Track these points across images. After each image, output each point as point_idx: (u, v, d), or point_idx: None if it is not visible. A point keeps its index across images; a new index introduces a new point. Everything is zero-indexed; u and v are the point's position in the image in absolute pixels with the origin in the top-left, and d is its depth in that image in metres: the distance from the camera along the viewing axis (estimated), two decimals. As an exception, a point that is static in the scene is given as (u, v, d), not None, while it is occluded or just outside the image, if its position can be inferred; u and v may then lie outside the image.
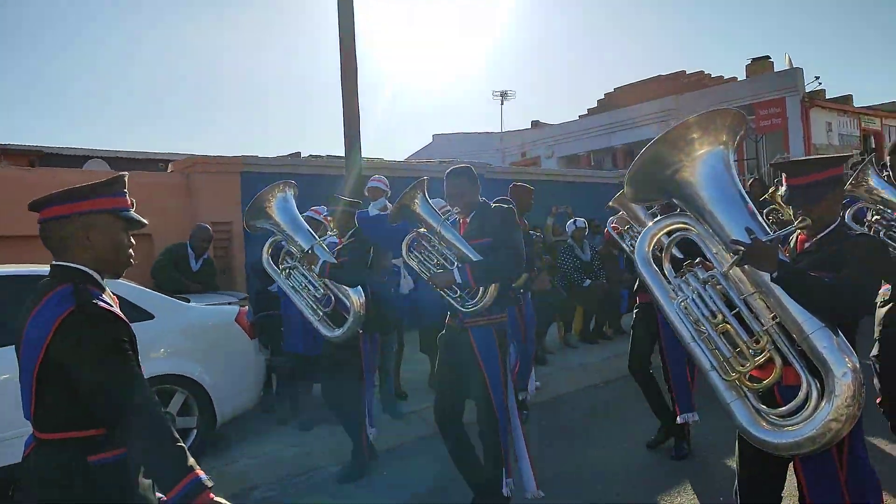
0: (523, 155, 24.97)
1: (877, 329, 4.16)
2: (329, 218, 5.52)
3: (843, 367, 2.41)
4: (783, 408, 2.57)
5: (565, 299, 8.18)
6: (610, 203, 5.40)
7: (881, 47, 67.29)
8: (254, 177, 8.06)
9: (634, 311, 5.27)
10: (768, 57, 24.36)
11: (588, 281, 8.39)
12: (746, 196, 2.80)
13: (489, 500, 3.94)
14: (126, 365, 1.95)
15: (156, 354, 4.92)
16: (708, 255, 2.84)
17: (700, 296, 2.74)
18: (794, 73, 20.24)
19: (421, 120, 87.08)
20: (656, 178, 2.86)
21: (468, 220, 4.10)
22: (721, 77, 26.08)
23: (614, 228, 5.63)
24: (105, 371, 1.91)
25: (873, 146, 22.08)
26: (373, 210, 6.38)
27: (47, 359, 1.91)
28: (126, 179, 2.17)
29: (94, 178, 2.17)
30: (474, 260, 3.88)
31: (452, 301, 3.98)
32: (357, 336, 4.89)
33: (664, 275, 2.94)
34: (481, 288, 3.89)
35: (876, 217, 4.25)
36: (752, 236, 2.57)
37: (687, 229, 2.93)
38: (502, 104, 28.49)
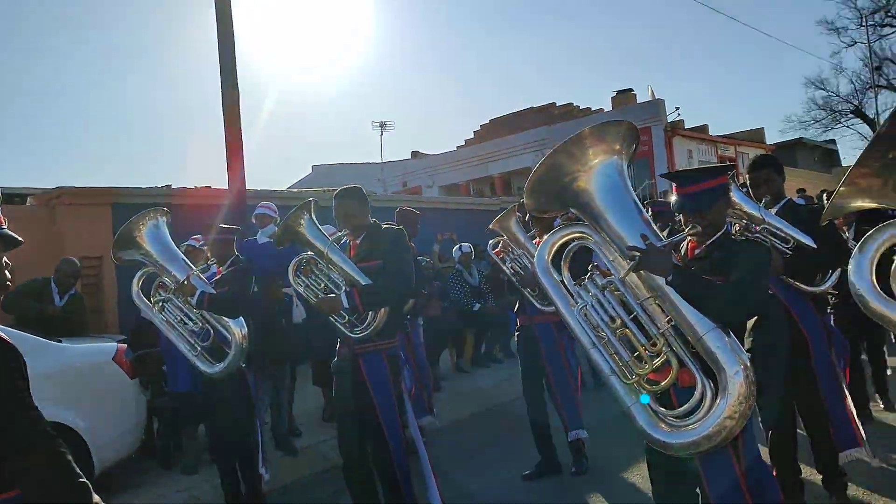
0: (404, 184, 25.13)
1: None
2: (206, 247, 5.21)
3: (735, 367, 2.48)
4: (680, 409, 2.61)
5: (456, 324, 8.16)
6: (490, 226, 5.40)
7: (733, 81, 73.58)
8: (126, 208, 7.51)
9: (516, 333, 5.28)
10: (631, 89, 26.00)
11: (478, 305, 8.44)
12: (640, 204, 2.87)
13: None
14: (19, 395, 1.73)
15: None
16: (605, 262, 2.88)
17: (599, 301, 2.76)
18: (657, 105, 21.68)
19: (299, 151, 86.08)
20: (554, 189, 2.88)
21: (358, 241, 3.99)
22: (589, 108, 27.42)
23: (496, 252, 5.60)
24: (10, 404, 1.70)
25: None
26: (261, 238, 6.13)
27: None
28: None
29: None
30: (363, 284, 3.77)
31: (341, 327, 3.85)
32: (241, 371, 4.61)
33: (564, 283, 2.96)
34: (370, 313, 3.78)
35: (738, 229, 4.52)
36: (647, 242, 2.62)
37: (584, 238, 2.97)
38: (382, 134, 28.64)
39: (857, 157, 2.01)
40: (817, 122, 32.28)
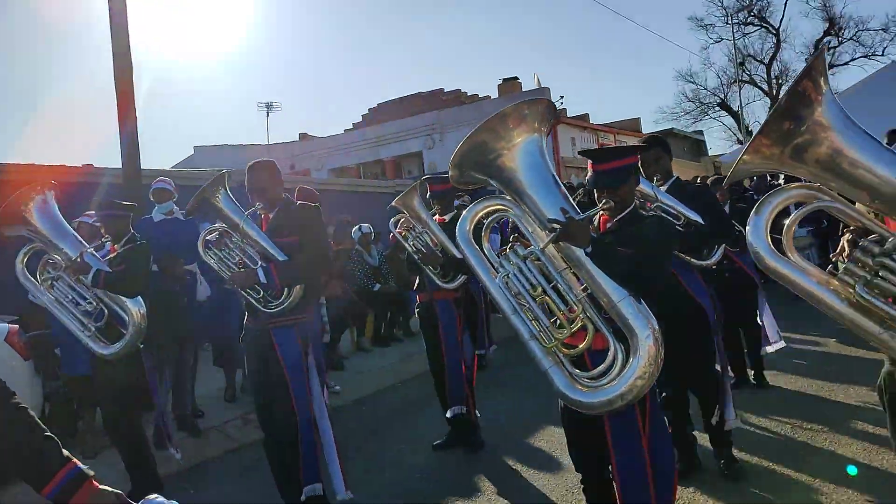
0: (292, 167, 24.56)
1: None
2: (100, 224, 4.94)
3: (646, 331, 2.67)
4: (594, 371, 2.78)
5: (357, 304, 8.16)
6: (392, 203, 5.41)
7: (612, 72, 76.67)
8: (6, 185, 6.95)
9: (417, 310, 5.35)
10: (517, 77, 26.66)
11: (378, 285, 8.47)
12: (559, 180, 3.02)
13: None
14: None
15: None
16: (525, 234, 3.02)
17: (521, 270, 2.89)
18: (543, 93, 22.30)
19: (179, 131, 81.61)
20: (479, 164, 2.99)
21: (271, 216, 3.94)
22: (476, 95, 27.87)
23: (399, 231, 5.59)
24: None
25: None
26: (157, 215, 5.85)
27: None
28: None
29: None
30: (280, 259, 3.73)
31: (254, 302, 3.79)
32: (138, 352, 4.43)
33: (485, 253, 3.08)
34: (286, 288, 3.75)
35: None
36: (566, 216, 2.77)
37: (505, 210, 3.10)
38: (268, 116, 27.80)
39: (759, 127, 2.22)
40: (687, 113, 34.44)
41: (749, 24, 32.95)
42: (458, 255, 4.86)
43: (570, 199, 2.96)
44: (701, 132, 36.02)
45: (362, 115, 29.68)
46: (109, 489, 1.72)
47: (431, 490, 4.40)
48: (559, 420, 5.19)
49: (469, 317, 5.26)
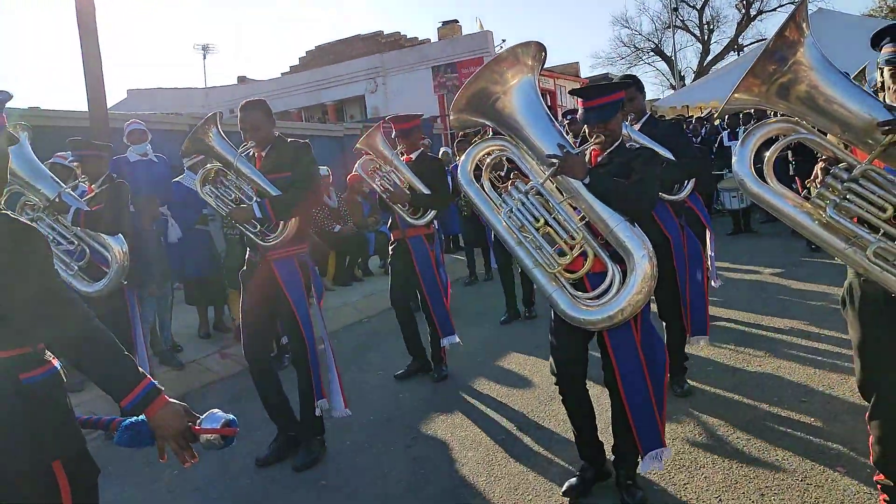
0: (232, 112, 23.87)
1: None
2: (77, 164, 4.89)
3: (642, 251, 2.95)
4: (593, 292, 3.06)
5: (319, 245, 8.25)
6: (357, 145, 5.45)
7: (551, 16, 76.41)
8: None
9: (391, 247, 5.49)
10: (457, 21, 26.45)
11: (338, 227, 8.57)
12: (552, 117, 3.22)
13: (306, 434, 4.00)
14: (58, 276, 1.85)
15: None
16: (524, 171, 3.23)
17: (523, 204, 3.12)
18: (486, 36, 22.30)
19: (111, 74, 77.11)
20: (479, 108, 3.17)
21: (264, 154, 4.02)
22: (416, 38, 27.56)
23: (364, 169, 5.62)
24: (45, 280, 1.78)
25: (549, 104, 25.37)
26: (132, 155, 5.79)
27: None
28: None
29: None
30: (273, 195, 3.84)
31: (252, 235, 3.91)
32: (122, 290, 4.50)
33: (486, 191, 3.28)
34: (281, 222, 3.88)
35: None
36: (563, 150, 2.99)
37: (504, 150, 3.30)
38: (205, 58, 26.85)
39: (749, 68, 2.47)
40: (623, 58, 34.79)
41: (683, -32, 33.32)
42: (426, 192, 5.08)
43: (566, 135, 3.17)
44: (636, 77, 36.58)
45: (299, 58, 29.02)
46: (178, 402, 1.92)
47: (418, 407, 4.70)
48: (524, 347, 5.55)
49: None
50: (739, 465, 3.41)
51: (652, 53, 34.29)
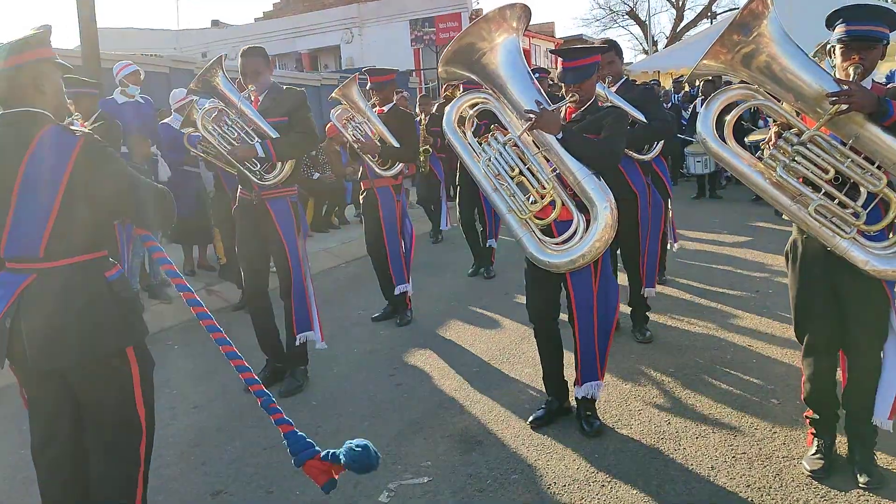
0: (204, 55, 23.54)
1: None
2: (70, 101, 5.07)
3: (604, 202, 3.29)
4: (559, 237, 3.42)
5: (298, 193, 8.50)
6: (333, 94, 5.54)
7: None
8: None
9: (361, 196, 5.73)
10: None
11: (317, 174, 8.82)
12: (532, 75, 3.54)
13: (292, 364, 4.38)
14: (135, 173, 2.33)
15: None
16: (503, 123, 3.55)
17: (500, 154, 3.44)
18: (463, -7, 22.28)
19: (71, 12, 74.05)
20: (465, 62, 3.45)
21: (261, 98, 4.27)
22: (392, -12, 27.28)
23: (338, 118, 5.78)
24: (129, 179, 2.24)
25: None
26: (119, 97, 5.94)
27: (71, 185, 2.15)
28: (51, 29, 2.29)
29: None
30: (274, 136, 4.10)
31: (251, 174, 4.16)
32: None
33: (468, 140, 3.61)
34: (279, 163, 4.16)
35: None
36: (540, 107, 3.32)
37: (486, 102, 3.61)
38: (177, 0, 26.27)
39: (717, 37, 2.78)
40: (598, 20, 34.95)
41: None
42: (396, 145, 5.34)
43: (544, 93, 3.50)
44: (610, 40, 36.72)
45: (273, 4, 28.59)
46: None
47: (397, 343, 5.11)
48: (492, 295, 5.93)
49: None
50: (688, 394, 3.88)
51: (627, 17, 34.46)
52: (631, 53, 35.79)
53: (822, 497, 2.85)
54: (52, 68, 2.27)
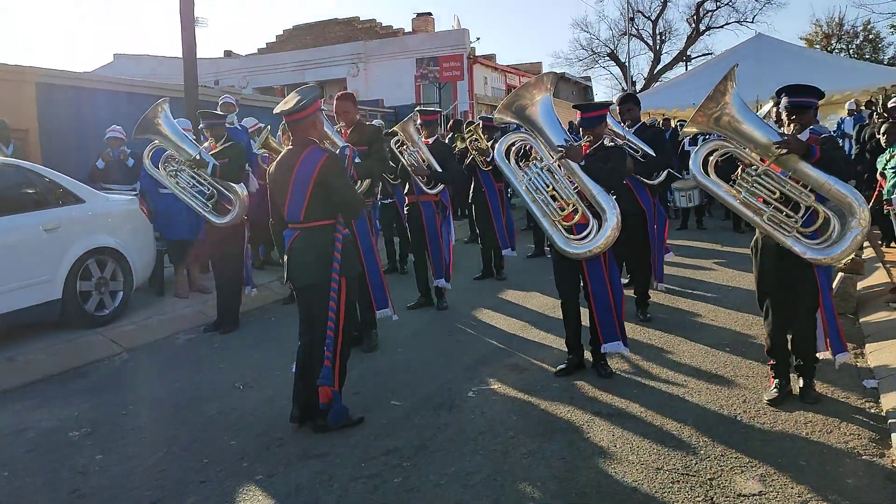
0: (217, 83, 25.06)
1: None
2: (208, 131, 6.45)
3: (612, 211, 4.72)
4: (579, 235, 4.89)
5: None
6: (394, 128, 6.96)
7: (516, 15, 78.58)
8: (50, 88, 8.17)
9: (405, 209, 7.28)
10: (430, 13, 28.12)
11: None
12: (559, 121, 5.05)
13: (364, 331, 5.80)
14: (351, 182, 3.83)
15: (91, 231, 5.89)
16: (540, 154, 5.04)
17: (538, 175, 4.92)
18: (463, 34, 24.08)
19: (98, 37, 74.56)
20: (515, 111, 4.90)
21: (349, 132, 5.75)
22: (391, 27, 28.99)
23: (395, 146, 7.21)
24: (347, 184, 3.77)
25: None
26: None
27: (318, 181, 3.76)
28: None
29: None
30: (357, 160, 5.56)
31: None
32: (243, 221, 6.23)
33: (513, 165, 5.10)
34: (359, 181, 5.61)
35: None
36: (567, 142, 4.82)
37: (526, 140, 5.09)
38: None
39: (699, 105, 4.16)
40: (580, 60, 37.06)
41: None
42: (439, 170, 6.83)
43: (569, 133, 5.02)
44: (589, 78, 38.85)
45: (276, 36, 30.20)
46: None
47: (448, 316, 6.69)
48: (518, 287, 7.43)
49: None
50: (673, 339, 5.38)
51: (608, 58, 36.62)
52: (611, 92, 37.86)
53: (774, 412, 4.14)
54: (320, 115, 3.87)
